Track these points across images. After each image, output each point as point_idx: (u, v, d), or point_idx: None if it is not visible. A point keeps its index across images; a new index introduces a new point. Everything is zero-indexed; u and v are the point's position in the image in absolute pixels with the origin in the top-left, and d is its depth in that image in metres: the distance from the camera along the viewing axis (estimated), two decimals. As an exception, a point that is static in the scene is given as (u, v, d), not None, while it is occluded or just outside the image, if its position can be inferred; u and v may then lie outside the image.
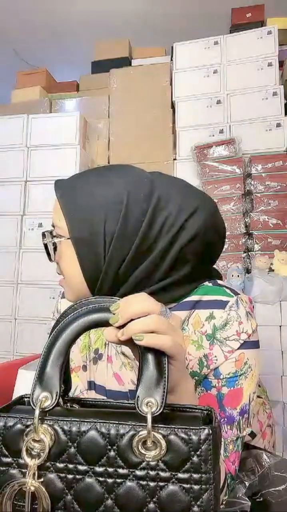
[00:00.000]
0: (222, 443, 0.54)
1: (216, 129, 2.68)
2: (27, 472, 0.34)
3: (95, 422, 0.36)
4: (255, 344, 0.60)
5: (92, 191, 0.58)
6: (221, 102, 2.71)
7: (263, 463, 0.60)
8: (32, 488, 0.34)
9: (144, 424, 0.35)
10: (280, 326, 1.83)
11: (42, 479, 0.35)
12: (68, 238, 0.58)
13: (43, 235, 0.63)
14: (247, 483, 0.56)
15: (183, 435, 0.34)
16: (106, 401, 0.45)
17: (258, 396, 0.89)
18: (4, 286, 2.67)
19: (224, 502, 0.53)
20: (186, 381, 0.46)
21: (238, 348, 0.58)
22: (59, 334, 0.41)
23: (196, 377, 0.58)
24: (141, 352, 0.40)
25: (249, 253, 2.25)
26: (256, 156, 2.43)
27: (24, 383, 1.10)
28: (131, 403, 0.40)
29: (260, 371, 0.61)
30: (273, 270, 2.00)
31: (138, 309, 0.40)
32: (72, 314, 0.42)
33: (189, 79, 2.81)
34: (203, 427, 0.35)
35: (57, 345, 0.40)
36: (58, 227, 0.60)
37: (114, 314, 0.40)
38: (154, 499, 0.33)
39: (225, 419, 0.57)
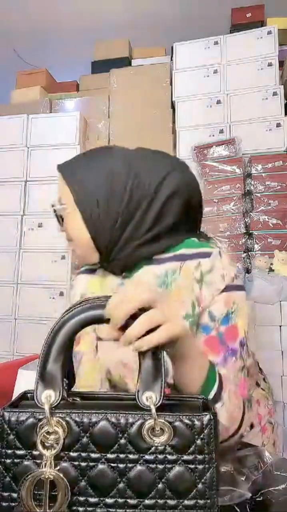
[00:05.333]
0: (228, 377, 0.63)
1: (216, 129, 2.68)
2: (44, 463, 0.37)
3: (106, 413, 0.39)
4: (239, 288, 0.70)
5: (88, 168, 0.73)
6: (221, 102, 2.71)
7: (266, 460, 0.60)
8: (51, 477, 0.36)
9: (149, 413, 0.38)
10: (280, 326, 1.83)
11: (58, 468, 0.37)
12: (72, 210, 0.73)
13: (53, 209, 0.76)
14: (251, 479, 0.57)
15: (187, 421, 0.38)
16: (106, 394, 0.48)
17: (262, 389, 0.90)
18: (4, 286, 2.67)
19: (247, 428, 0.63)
20: (192, 339, 0.54)
21: (224, 290, 0.68)
22: (57, 332, 0.43)
23: (191, 319, 0.67)
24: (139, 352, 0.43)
25: (249, 253, 2.26)
26: (256, 156, 2.43)
27: (24, 383, 1.10)
28: (130, 395, 0.43)
29: (248, 312, 0.71)
30: (273, 270, 2.00)
31: (129, 309, 0.43)
32: (69, 312, 0.44)
33: (189, 79, 2.81)
34: (205, 413, 0.39)
35: (56, 342, 0.43)
36: (64, 200, 0.74)
37: (108, 314, 0.43)
38: (163, 480, 0.38)
39: (230, 351, 0.65)
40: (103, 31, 3.71)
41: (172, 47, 2.98)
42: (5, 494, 0.38)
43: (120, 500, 0.37)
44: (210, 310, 0.67)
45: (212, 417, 0.39)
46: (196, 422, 0.38)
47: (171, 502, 0.37)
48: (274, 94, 2.60)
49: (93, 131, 3.00)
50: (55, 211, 0.76)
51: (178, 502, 0.37)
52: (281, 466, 0.65)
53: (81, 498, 0.38)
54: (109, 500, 0.38)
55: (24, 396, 0.45)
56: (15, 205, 2.74)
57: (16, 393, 1.10)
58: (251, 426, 0.79)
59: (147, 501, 0.37)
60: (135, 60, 3.27)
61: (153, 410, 0.38)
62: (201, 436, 0.38)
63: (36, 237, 2.67)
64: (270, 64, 2.65)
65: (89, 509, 0.37)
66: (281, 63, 2.70)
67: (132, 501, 0.37)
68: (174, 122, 2.84)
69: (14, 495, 0.37)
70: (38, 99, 3.21)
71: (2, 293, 2.65)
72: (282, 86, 2.62)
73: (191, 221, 0.77)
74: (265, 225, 2.28)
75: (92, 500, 0.37)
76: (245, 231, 2.32)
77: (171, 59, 2.99)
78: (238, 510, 0.55)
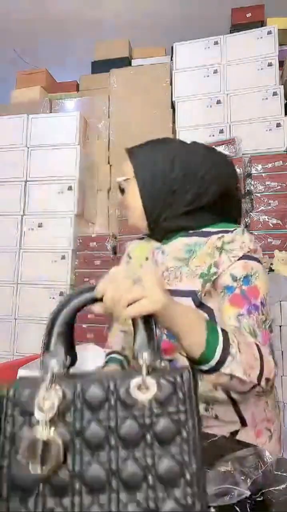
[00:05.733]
0: (253, 324, 0.72)
1: (216, 129, 2.68)
2: (40, 426, 0.41)
3: (95, 379, 0.44)
4: (257, 260, 0.79)
5: (149, 150, 0.91)
6: (221, 102, 2.71)
7: (266, 460, 0.60)
8: (44, 437, 0.40)
9: (139, 373, 0.43)
10: (280, 326, 1.83)
11: (54, 431, 0.41)
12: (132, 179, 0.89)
13: (118, 182, 0.92)
14: (251, 479, 0.57)
15: (169, 378, 0.43)
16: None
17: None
18: (4, 286, 2.67)
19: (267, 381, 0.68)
20: (178, 310, 0.59)
21: (242, 257, 0.78)
22: (59, 310, 0.50)
23: (205, 277, 0.79)
24: (132, 321, 0.51)
25: (249, 253, 2.25)
26: (256, 156, 2.43)
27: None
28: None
29: (268, 285, 0.78)
30: (273, 270, 2.00)
31: (126, 300, 0.51)
32: (66, 298, 0.51)
33: (189, 79, 2.82)
34: (185, 370, 0.44)
35: (57, 322, 0.49)
36: (127, 175, 0.90)
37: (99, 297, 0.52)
38: (150, 432, 0.41)
39: (252, 306, 0.74)
40: (103, 31, 3.71)
41: (172, 47, 2.98)
42: (7, 454, 0.41)
43: (112, 453, 0.41)
44: (231, 273, 0.77)
45: (190, 373, 0.44)
46: (178, 379, 0.43)
47: (159, 451, 0.41)
48: (274, 94, 2.60)
49: (93, 131, 3.00)
50: (119, 184, 0.92)
51: (165, 449, 0.41)
52: (281, 466, 0.65)
53: (75, 456, 0.41)
54: (103, 454, 0.41)
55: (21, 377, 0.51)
56: (15, 205, 2.74)
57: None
58: (243, 422, 0.81)
59: (136, 453, 0.41)
60: (135, 60, 3.27)
61: (144, 370, 0.43)
62: (182, 390, 0.43)
63: (36, 237, 2.68)
64: (270, 64, 2.65)
65: (84, 467, 0.40)
66: (281, 63, 2.70)
67: (123, 454, 0.41)
68: (174, 122, 2.84)
69: (10, 457, 0.41)
70: (38, 99, 3.21)
71: (2, 293, 2.65)
72: (282, 86, 2.62)
73: (227, 208, 0.90)
74: (265, 225, 2.28)
75: (86, 458, 0.41)
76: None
77: (171, 59, 2.99)
78: (238, 510, 0.55)
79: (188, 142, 0.95)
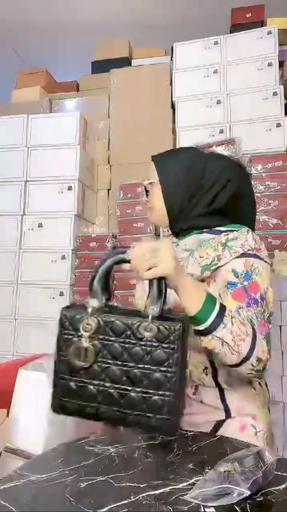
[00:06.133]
0: (251, 315, 0.82)
1: (216, 129, 2.68)
2: (83, 339, 0.69)
3: (120, 316, 0.70)
4: (257, 257, 0.87)
5: (172, 158, 1.02)
6: (221, 102, 2.71)
7: (266, 460, 0.60)
8: (85, 345, 0.69)
9: (147, 319, 0.68)
10: (280, 326, 1.83)
11: (91, 343, 0.69)
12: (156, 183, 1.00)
13: (144, 185, 1.04)
14: (251, 479, 0.57)
15: (166, 325, 0.67)
16: (127, 307, 0.78)
17: (253, 388, 0.93)
18: (4, 286, 2.67)
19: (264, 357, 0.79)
20: (184, 277, 0.75)
21: (242, 255, 0.86)
22: (98, 267, 0.73)
23: (207, 271, 0.88)
24: (149, 280, 0.72)
25: (249, 253, 2.25)
26: (256, 156, 2.43)
27: (24, 383, 1.10)
28: (140, 309, 0.72)
29: (269, 279, 0.87)
30: (273, 270, 2.00)
31: (146, 265, 0.70)
32: (105, 255, 0.75)
33: (189, 79, 2.82)
34: (178, 322, 0.68)
35: (99, 272, 0.73)
36: (152, 178, 1.00)
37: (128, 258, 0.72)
38: (148, 356, 0.68)
39: (252, 300, 0.83)
40: (103, 31, 3.71)
41: (172, 47, 2.98)
42: (63, 353, 0.71)
43: (124, 363, 0.68)
44: (233, 269, 0.86)
45: (181, 324, 0.68)
46: (172, 327, 0.67)
47: (153, 367, 0.67)
48: (274, 94, 2.60)
49: (93, 131, 3.00)
50: (145, 186, 1.04)
51: (157, 368, 0.67)
52: (281, 466, 0.65)
53: (103, 360, 0.69)
54: (119, 362, 0.69)
55: (74, 304, 0.78)
56: (15, 205, 2.74)
57: (16, 393, 1.10)
58: (227, 413, 0.88)
59: (139, 365, 0.68)
60: (135, 60, 3.27)
61: (150, 317, 0.68)
62: (173, 334, 0.67)
63: (36, 237, 2.68)
64: (270, 64, 2.66)
65: (107, 365, 0.69)
66: (281, 63, 2.70)
67: (130, 364, 0.68)
68: (174, 122, 2.84)
69: (65, 353, 0.70)
70: (38, 99, 3.21)
71: (2, 293, 2.65)
72: (282, 86, 2.62)
73: (240, 212, 1.00)
74: (265, 225, 2.28)
75: (109, 361, 0.69)
76: (245, 231, 2.32)
77: (171, 59, 2.99)
78: (238, 510, 0.55)
79: (206, 152, 1.06)
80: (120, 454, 0.74)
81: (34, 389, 1.07)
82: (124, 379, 0.67)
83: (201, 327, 0.75)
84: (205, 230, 0.97)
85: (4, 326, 2.62)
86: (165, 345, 0.66)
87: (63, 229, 2.63)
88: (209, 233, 0.95)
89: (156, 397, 0.66)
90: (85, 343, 0.68)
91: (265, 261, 0.89)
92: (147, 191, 1.04)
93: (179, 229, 1.01)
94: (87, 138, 2.90)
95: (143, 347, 0.67)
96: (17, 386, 1.10)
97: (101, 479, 0.64)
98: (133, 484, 0.62)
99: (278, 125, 2.56)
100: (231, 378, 0.89)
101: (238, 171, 0.99)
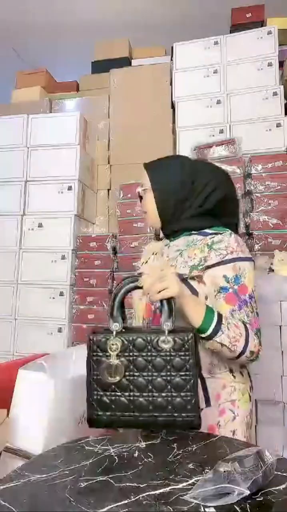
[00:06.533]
0: (243, 316, 0.95)
1: (216, 129, 2.68)
2: (112, 357, 0.80)
3: (140, 334, 0.81)
4: (244, 259, 0.99)
5: (163, 165, 1.11)
6: (221, 102, 2.71)
7: (266, 460, 0.60)
8: (115, 363, 0.80)
9: (163, 333, 0.80)
10: (280, 326, 1.83)
11: (118, 360, 0.80)
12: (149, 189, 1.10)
13: (137, 191, 1.14)
14: (251, 479, 0.57)
15: (181, 337, 0.79)
16: (142, 326, 1.02)
17: (233, 376, 1.00)
18: (4, 286, 2.67)
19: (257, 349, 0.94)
20: (187, 297, 0.90)
21: (232, 261, 0.98)
22: (116, 295, 0.84)
23: (195, 270, 0.99)
24: (160, 301, 0.84)
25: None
26: (256, 156, 2.43)
27: (24, 383, 1.10)
28: (155, 326, 0.88)
29: (254, 278, 0.99)
30: (273, 270, 2.00)
31: (157, 289, 0.83)
32: (121, 283, 0.86)
33: (189, 79, 2.82)
34: (190, 333, 0.80)
35: (117, 300, 0.84)
36: (145, 185, 1.10)
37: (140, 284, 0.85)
38: (169, 364, 0.79)
39: (242, 301, 0.96)
40: (103, 31, 3.71)
41: (172, 47, 2.98)
42: (95, 373, 0.81)
43: (149, 373, 0.79)
44: (224, 275, 0.97)
45: (193, 335, 0.80)
46: (185, 337, 0.79)
47: (173, 373, 0.79)
48: (274, 94, 2.60)
49: (93, 131, 3.00)
50: (139, 192, 1.13)
51: (177, 374, 0.79)
52: (281, 466, 0.65)
53: (130, 373, 0.80)
54: (144, 374, 0.79)
55: (96, 329, 0.86)
56: (15, 205, 2.74)
57: (16, 393, 1.10)
58: (207, 401, 0.97)
59: (162, 373, 0.79)
60: (135, 60, 3.27)
61: (166, 332, 0.80)
62: (188, 343, 0.79)
63: (36, 237, 2.68)
64: (270, 64, 2.66)
65: (135, 378, 0.80)
66: (281, 63, 2.70)
67: (155, 373, 0.79)
68: (174, 122, 2.84)
69: (97, 373, 0.81)
70: (38, 99, 3.21)
71: (2, 293, 2.65)
72: (282, 86, 2.62)
73: (228, 215, 1.10)
74: (265, 225, 2.28)
75: (136, 374, 0.80)
76: (245, 231, 2.32)
77: (171, 59, 2.99)
78: (238, 510, 0.55)
79: (190, 160, 1.15)
80: (120, 454, 0.74)
81: (34, 389, 1.07)
82: (150, 387, 0.79)
83: (204, 335, 0.90)
84: (193, 232, 1.07)
85: (4, 326, 2.62)
86: (182, 353, 0.78)
87: (63, 229, 2.63)
88: (197, 234, 1.06)
89: (179, 399, 0.78)
90: (114, 360, 0.79)
91: (249, 258, 1.01)
92: (141, 197, 1.13)
93: (170, 231, 1.10)
94: (87, 138, 2.90)
95: (164, 358, 0.79)
96: (17, 386, 1.10)
97: (101, 479, 0.64)
98: (133, 484, 0.62)
99: (278, 125, 2.56)
100: (212, 366, 0.99)
101: (224, 175, 1.12)
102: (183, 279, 0.96)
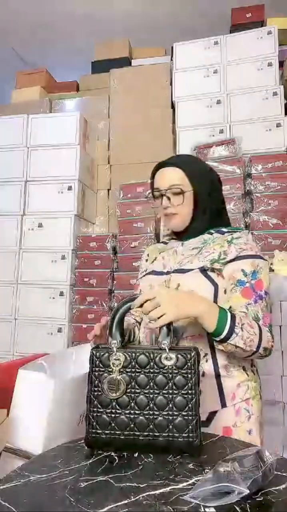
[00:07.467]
0: (257, 309, 0.95)
1: (216, 129, 2.68)
2: (114, 373, 0.79)
3: (143, 350, 0.81)
4: (261, 257, 1.01)
5: (194, 163, 1.10)
6: (221, 102, 2.71)
7: (266, 460, 0.60)
8: (118, 378, 0.79)
9: (164, 351, 0.79)
10: (280, 326, 1.83)
11: (120, 375, 0.79)
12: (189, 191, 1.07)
13: (164, 191, 1.06)
14: (251, 479, 0.57)
15: (183, 354, 0.79)
16: (142, 345, 1.01)
17: (247, 374, 1.00)
18: (4, 286, 2.67)
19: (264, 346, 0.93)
20: (194, 308, 0.88)
21: (251, 257, 0.99)
22: (115, 312, 0.84)
23: (216, 263, 0.99)
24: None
25: (249, 253, 2.25)
26: (256, 156, 2.43)
27: (24, 383, 1.10)
28: (155, 346, 0.85)
29: (269, 276, 1.01)
30: (273, 270, 2.00)
31: (155, 315, 0.83)
32: (121, 302, 0.86)
33: (189, 79, 2.82)
34: (193, 350, 0.79)
35: (116, 317, 0.83)
36: (178, 184, 1.04)
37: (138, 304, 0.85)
38: (170, 382, 0.77)
39: (258, 296, 0.97)
40: (103, 31, 3.71)
41: (172, 47, 2.98)
42: (96, 389, 0.79)
43: (151, 391, 0.78)
44: (242, 269, 0.98)
45: (195, 352, 0.79)
46: (188, 354, 0.78)
47: (175, 391, 0.77)
48: (274, 94, 2.60)
49: (93, 131, 3.00)
50: (165, 192, 1.06)
51: (179, 392, 0.77)
52: (281, 466, 0.65)
53: (132, 390, 0.78)
54: (145, 391, 0.78)
55: (98, 346, 0.85)
56: (15, 205, 2.74)
57: (16, 393, 1.10)
58: (223, 403, 0.96)
59: (163, 391, 0.77)
60: (135, 60, 3.27)
61: (167, 349, 0.79)
62: (190, 360, 0.78)
63: (36, 237, 2.68)
64: (270, 64, 2.66)
65: (136, 395, 0.78)
66: (281, 63, 2.70)
67: (156, 391, 0.77)
68: (174, 122, 2.84)
69: (99, 387, 0.79)
70: (38, 99, 3.21)
71: (2, 293, 2.65)
72: (282, 86, 2.62)
73: (226, 211, 1.14)
74: (265, 225, 2.28)
75: (137, 391, 0.78)
76: (245, 231, 2.31)
77: (171, 59, 2.99)
78: (238, 510, 0.55)
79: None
80: (120, 454, 0.74)
81: (34, 389, 1.07)
82: (151, 405, 0.77)
83: (218, 339, 0.89)
84: (211, 231, 1.07)
85: (4, 326, 2.62)
86: (184, 371, 0.77)
87: (63, 229, 2.63)
88: (216, 233, 1.07)
89: (180, 418, 0.75)
90: (116, 376, 0.78)
91: (265, 259, 1.02)
92: (168, 197, 1.06)
93: (194, 230, 1.08)
94: (87, 138, 2.90)
95: (165, 375, 0.78)
96: (17, 386, 1.10)
97: (101, 479, 0.64)
98: (133, 484, 0.62)
99: (278, 125, 2.56)
100: (228, 363, 0.98)
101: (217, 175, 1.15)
102: (204, 270, 0.98)
